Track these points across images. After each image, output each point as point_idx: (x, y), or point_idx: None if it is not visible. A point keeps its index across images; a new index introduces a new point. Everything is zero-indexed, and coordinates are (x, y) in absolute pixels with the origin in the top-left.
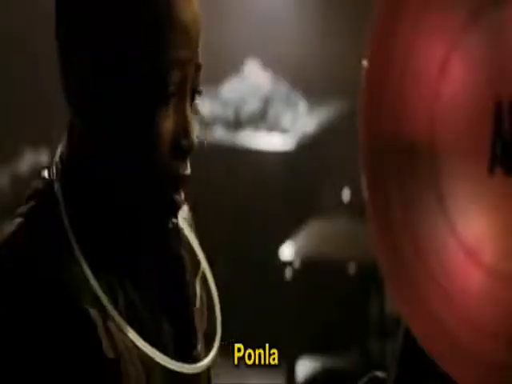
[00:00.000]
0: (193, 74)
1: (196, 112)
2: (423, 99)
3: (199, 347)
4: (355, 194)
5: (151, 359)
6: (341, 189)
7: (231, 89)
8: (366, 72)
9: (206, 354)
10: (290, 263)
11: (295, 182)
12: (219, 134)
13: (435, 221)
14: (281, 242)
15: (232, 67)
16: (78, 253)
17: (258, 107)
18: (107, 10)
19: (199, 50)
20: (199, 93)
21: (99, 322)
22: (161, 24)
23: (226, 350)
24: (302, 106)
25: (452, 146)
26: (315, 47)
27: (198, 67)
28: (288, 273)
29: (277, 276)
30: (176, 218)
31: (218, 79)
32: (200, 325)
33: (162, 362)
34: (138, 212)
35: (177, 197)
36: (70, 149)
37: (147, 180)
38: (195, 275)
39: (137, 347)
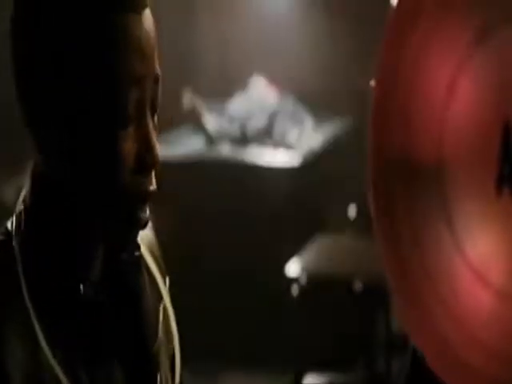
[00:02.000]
0: (151, 88)
1: (155, 126)
2: (431, 120)
3: (159, 381)
4: (361, 210)
5: None
6: (347, 205)
7: (237, 105)
8: (374, 92)
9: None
10: (296, 280)
11: (301, 198)
12: (225, 150)
13: (443, 241)
14: (287, 258)
15: (238, 84)
16: (32, 316)
17: (264, 123)
18: (59, 36)
19: (155, 63)
20: (157, 105)
21: None
22: (113, 45)
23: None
24: (308, 122)
25: (460, 166)
26: (321, 64)
27: (156, 79)
28: (294, 289)
29: (283, 293)
30: (136, 243)
31: (224, 95)
32: (165, 354)
33: None
34: (102, 234)
35: (142, 213)
36: (32, 191)
37: (110, 199)
38: (159, 300)
39: None
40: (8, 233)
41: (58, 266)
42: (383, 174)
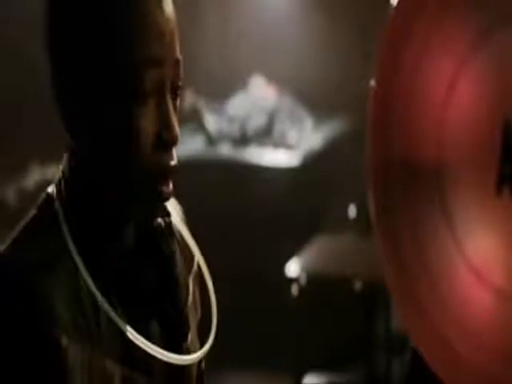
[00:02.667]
0: (172, 71)
1: (177, 106)
2: (431, 120)
3: (189, 341)
4: (361, 209)
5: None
6: (347, 204)
7: (237, 105)
8: (374, 93)
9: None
10: (296, 280)
11: (301, 198)
12: (225, 149)
13: (443, 241)
14: (287, 258)
15: (237, 84)
16: (76, 257)
17: (263, 123)
18: (82, 15)
19: (177, 46)
20: (180, 87)
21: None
22: (133, 25)
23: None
24: (308, 121)
25: (460, 166)
26: (320, 63)
27: (176, 62)
28: (294, 289)
29: (283, 292)
30: (165, 210)
31: (223, 96)
32: (193, 320)
33: (151, 352)
34: (128, 208)
35: (164, 187)
36: (69, 167)
37: (131, 174)
38: (189, 271)
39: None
40: (50, 197)
41: (96, 225)
42: (383, 174)
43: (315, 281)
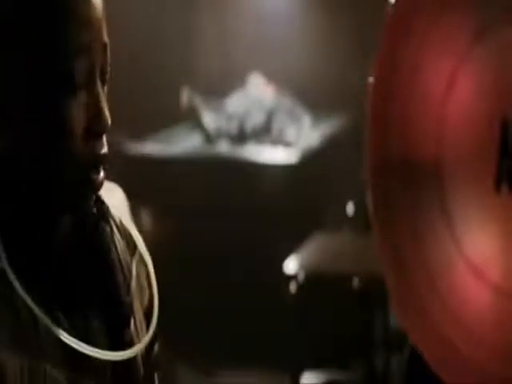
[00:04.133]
0: (100, 56)
1: (105, 94)
2: (430, 118)
3: (133, 328)
4: (359, 207)
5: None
6: (345, 202)
7: (235, 103)
8: (373, 90)
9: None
10: (294, 277)
11: (299, 196)
12: (224, 147)
13: (441, 238)
14: (285, 256)
15: (236, 81)
16: (4, 260)
17: (262, 121)
18: (7, 4)
19: (104, 31)
20: (108, 72)
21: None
22: (59, 15)
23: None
24: (306, 119)
25: (458, 163)
26: (319, 61)
27: (104, 47)
28: (292, 287)
29: (281, 290)
30: (99, 198)
31: (222, 93)
32: (138, 304)
33: (86, 352)
34: (59, 198)
35: (95, 176)
36: None
37: (63, 164)
38: (132, 255)
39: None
40: None
41: (28, 221)
42: (381, 171)
43: (313, 279)
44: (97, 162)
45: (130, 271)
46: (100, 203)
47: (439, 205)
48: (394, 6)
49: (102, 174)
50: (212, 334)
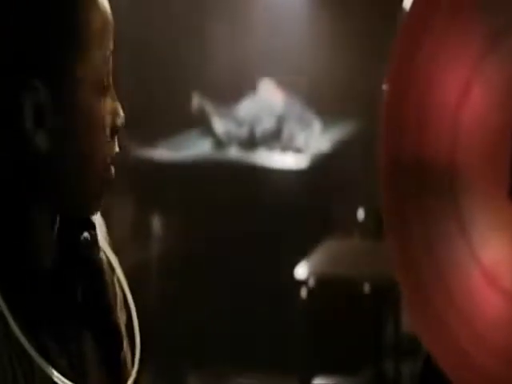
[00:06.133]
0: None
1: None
2: (444, 124)
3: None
4: (370, 212)
5: None
6: (355, 207)
7: (246, 108)
8: (387, 96)
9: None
10: (304, 282)
11: (309, 201)
12: (234, 153)
13: (455, 245)
14: (295, 260)
15: (246, 87)
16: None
17: (272, 126)
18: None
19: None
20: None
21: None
22: (92, 25)
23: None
24: (316, 125)
25: (473, 171)
26: (329, 67)
27: (111, 53)
28: (303, 292)
29: (292, 295)
30: (91, 223)
31: (232, 99)
32: (122, 324)
33: None
34: (80, 196)
35: (110, 174)
36: None
37: (94, 166)
38: (112, 275)
39: None
40: None
41: (15, 243)
42: (395, 177)
43: (324, 284)
44: (112, 160)
45: (115, 292)
46: (92, 228)
47: (453, 211)
48: (408, 13)
49: (113, 172)
50: (221, 338)
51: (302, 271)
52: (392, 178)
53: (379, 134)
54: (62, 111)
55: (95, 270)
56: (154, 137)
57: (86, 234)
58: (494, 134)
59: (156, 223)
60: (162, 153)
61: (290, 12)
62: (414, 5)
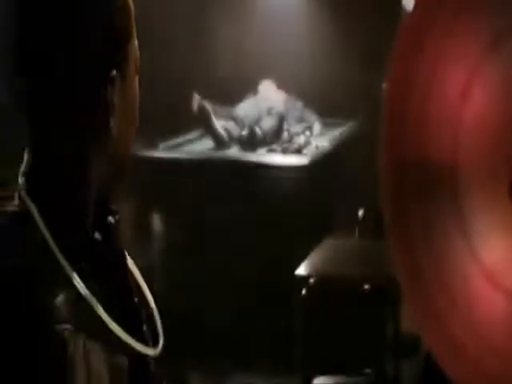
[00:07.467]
0: None
1: None
2: (446, 124)
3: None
4: (370, 212)
5: (121, 373)
6: (356, 207)
7: (247, 109)
8: (388, 95)
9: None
10: (305, 281)
11: (310, 202)
12: (234, 153)
13: (456, 245)
14: (296, 260)
15: (247, 88)
16: (58, 255)
17: (272, 126)
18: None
19: None
20: None
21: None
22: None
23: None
24: (316, 125)
25: (474, 171)
26: (329, 68)
27: None
28: (304, 291)
29: (293, 294)
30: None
31: (233, 99)
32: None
33: (131, 343)
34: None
35: None
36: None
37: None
38: None
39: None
40: (21, 197)
41: (67, 215)
42: (396, 177)
43: (325, 282)
44: None
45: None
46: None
47: (454, 212)
48: (409, 13)
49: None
50: (222, 337)
51: (302, 271)
52: (393, 178)
53: (380, 134)
54: (125, 96)
55: (119, 250)
56: (155, 136)
57: (110, 218)
58: (495, 134)
59: (156, 221)
60: (164, 152)
61: (290, 12)
62: (416, 5)
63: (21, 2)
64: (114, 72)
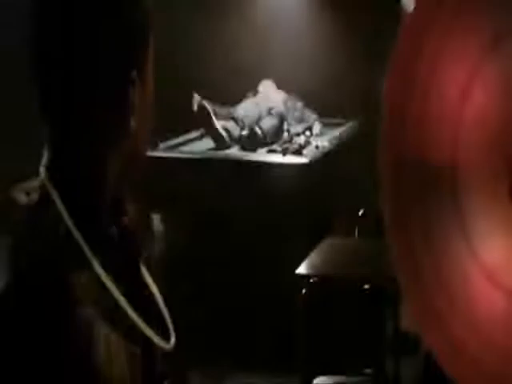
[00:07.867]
0: None
1: None
2: (445, 124)
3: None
4: (370, 211)
5: (135, 360)
6: (356, 207)
7: (247, 109)
8: (387, 95)
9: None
10: (305, 281)
11: (309, 201)
12: (235, 152)
13: (456, 244)
14: (296, 260)
15: (247, 88)
16: (83, 245)
17: (272, 126)
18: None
19: None
20: None
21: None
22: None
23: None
24: (316, 125)
25: (473, 171)
26: (329, 68)
27: None
28: (304, 290)
29: (293, 293)
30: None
31: (233, 99)
32: None
33: (149, 334)
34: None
35: None
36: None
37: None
38: None
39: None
40: (43, 184)
41: (87, 201)
42: (397, 176)
43: (325, 281)
44: None
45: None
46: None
47: (454, 211)
48: (410, 13)
49: None
50: (223, 337)
51: (302, 270)
52: (393, 178)
53: (380, 134)
54: (144, 96)
55: (134, 247)
56: (156, 137)
57: (125, 218)
58: (495, 133)
59: (157, 221)
60: (164, 152)
61: (290, 13)
62: (417, 5)
63: (43, 1)
64: (135, 72)
